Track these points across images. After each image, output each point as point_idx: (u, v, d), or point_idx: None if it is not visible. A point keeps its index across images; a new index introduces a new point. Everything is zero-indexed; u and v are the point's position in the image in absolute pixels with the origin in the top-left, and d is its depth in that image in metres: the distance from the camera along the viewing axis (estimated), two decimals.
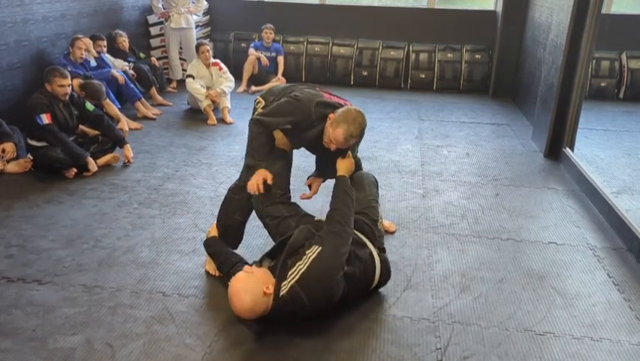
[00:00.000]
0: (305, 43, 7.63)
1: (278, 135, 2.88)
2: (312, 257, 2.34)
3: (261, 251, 3.14)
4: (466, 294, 2.79)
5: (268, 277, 2.38)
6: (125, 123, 5.14)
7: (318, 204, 3.46)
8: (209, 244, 2.93)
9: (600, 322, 2.58)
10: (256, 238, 3.28)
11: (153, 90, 6.36)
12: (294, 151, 3.01)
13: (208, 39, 7.90)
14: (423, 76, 7.28)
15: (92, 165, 4.22)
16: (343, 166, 2.75)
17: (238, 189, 2.90)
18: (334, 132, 2.61)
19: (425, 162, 4.63)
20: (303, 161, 3.95)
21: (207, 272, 2.93)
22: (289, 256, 2.41)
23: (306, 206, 2.95)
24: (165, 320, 2.55)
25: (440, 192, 4.03)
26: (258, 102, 2.97)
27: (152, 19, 7.37)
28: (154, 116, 5.83)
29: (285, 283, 2.33)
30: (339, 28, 7.59)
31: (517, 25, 6.55)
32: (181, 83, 7.21)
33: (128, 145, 4.51)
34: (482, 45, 7.19)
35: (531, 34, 6.07)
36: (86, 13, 6.12)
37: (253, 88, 7.05)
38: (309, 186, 3.19)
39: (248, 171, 2.85)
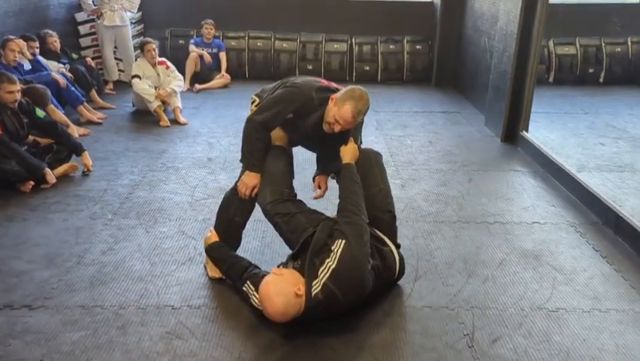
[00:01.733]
0: (246, 39, 7.48)
1: (275, 131, 2.81)
2: (339, 251, 2.31)
3: (258, 253, 3.07)
4: (473, 279, 2.86)
5: (298, 278, 2.32)
6: (74, 130, 4.81)
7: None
8: (212, 250, 2.81)
9: (602, 293, 2.74)
10: (251, 241, 3.19)
11: (93, 93, 6.00)
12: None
13: (142, 37, 7.54)
14: (367, 68, 7.36)
15: (51, 177, 3.91)
16: (348, 153, 2.71)
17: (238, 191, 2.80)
18: (340, 110, 2.56)
19: (393, 152, 4.70)
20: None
21: (213, 278, 2.81)
22: (315, 255, 2.36)
23: (311, 201, 2.89)
24: (183, 334, 2.42)
25: (417, 181, 4.10)
26: (253, 101, 2.89)
27: (80, 16, 6.93)
28: (99, 121, 5.49)
29: (316, 282, 2.28)
30: (281, 22, 7.51)
31: (456, 16, 6.78)
32: (118, 84, 6.86)
33: (86, 153, 4.22)
34: (422, 36, 7.38)
35: (472, 23, 6.30)
36: (12, 12, 5.66)
37: (197, 86, 6.84)
38: (318, 186, 3.12)
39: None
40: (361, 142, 3.03)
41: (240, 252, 2.95)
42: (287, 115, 2.66)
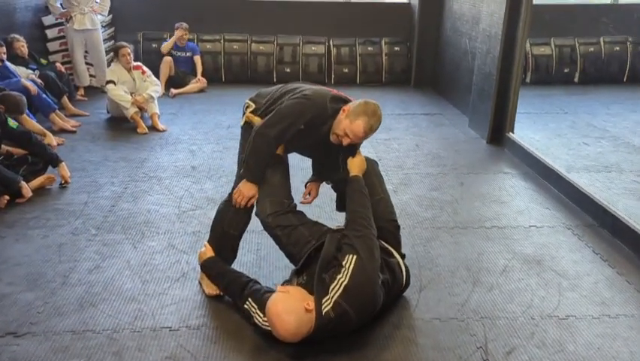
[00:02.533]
0: (222, 41, 7.31)
1: None
2: (351, 267, 2.21)
3: (255, 267, 2.95)
4: (479, 287, 2.80)
5: (305, 294, 2.21)
6: (52, 138, 4.59)
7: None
8: (208, 266, 2.68)
9: (609, 299, 2.71)
10: (246, 254, 3.06)
11: (65, 100, 5.74)
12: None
13: (113, 40, 7.30)
14: (346, 70, 7.29)
15: (27, 190, 3.70)
16: (355, 166, 2.62)
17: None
18: (353, 125, 2.46)
19: (381, 156, 4.62)
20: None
21: (210, 296, 2.67)
22: (324, 270, 2.25)
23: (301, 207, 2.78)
24: (185, 358, 2.28)
25: (409, 186, 4.04)
26: (247, 106, 2.74)
27: (47, 20, 6.64)
28: (73, 129, 5.25)
29: (326, 299, 2.17)
30: (257, 24, 7.36)
31: (434, 17, 6.77)
32: (89, 90, 6.61)
33: (64, 163, 4.02)
34: (400, 38, 7.34)
35: (451, 25, 6.29)
36: None
37: (173, 91, 6.64)
38: (309, 192, 3.01)
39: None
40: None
41: (235, 266, 2.83)
42: (299, 127, 2.53)
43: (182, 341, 2.38)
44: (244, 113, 2.75)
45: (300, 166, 3.57)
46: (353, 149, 2.64)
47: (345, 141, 2.52)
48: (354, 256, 2.24)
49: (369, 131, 2.50)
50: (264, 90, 2.80)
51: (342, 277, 2.20)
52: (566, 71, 7.24)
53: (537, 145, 4.74)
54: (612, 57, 7.27)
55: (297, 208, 2.64)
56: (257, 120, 2.63)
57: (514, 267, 2.99)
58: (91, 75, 6.74)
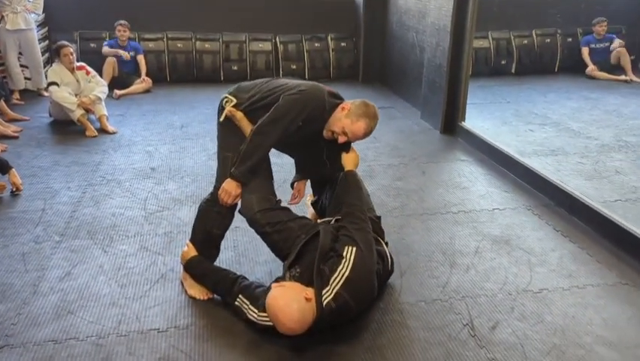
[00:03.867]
0: (165, 40, 7.14)
1: None
2: (352, 259, 2.24)
3: (235, 264, 2.92)
4: (456, 269, 2.91)
5: (301, 287, 2.22)
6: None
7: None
8: (192, 266, 2.63)
9: (575, 271, 2.89)
10: (224, 251, 3.00)
11: (2, 104, 5.42)
12: None
13: (47, 40, 6.97)
14: (294, 67, 7.30)
15: None
16: (350, 161, 2.67)
17: (217, 202, 2.62)
18: (354, 125, 2.49)
19: None
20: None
21: (193, 298, 2.62)
22: (322, 262, 2.27)
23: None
24: (179, 358, 2.24)
25: (373, 177, 4.11)
26: (227, 101, 2.64)
27: None
28: (15, 134, 4.98)
29: (327, 290, 2.19)
30: (200, 22, 7.23)
31: (379, 12, 6.89)
32: (25, 93, 6.28)
33: (14, 170, 3.81)
34: (346, 33, 7.44)
35: (397, 19, 6.44)
36: None
37: (117, 92, 6.40)
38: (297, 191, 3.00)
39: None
40: None
41: (216, 264, 2.78)
42: (299, 122, 2.50)
43: (174, 342, 2.32)
44: (221, 109, 2.68)
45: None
46: (344, 146, 2.66)
47: (342, 139, 2.54)
48: (355, 248, 2.27)
49: (369, 133, 2.56)
50: (244, 84, 2.74)
51: (342, 268, 2.22)
52: (503, 62, 7.57)
53: (488, 133, 4.95)
54: (544, 48, 7.68)
55: (288, 207, 2.66)
56: (240, 115, 2.59)
57: (485, 248, 3.12)
58: (26, 78, 6.40)
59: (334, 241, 2.35)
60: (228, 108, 2.61)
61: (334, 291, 2.18)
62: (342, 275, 2.20)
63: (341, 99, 2.61)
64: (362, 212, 2.47)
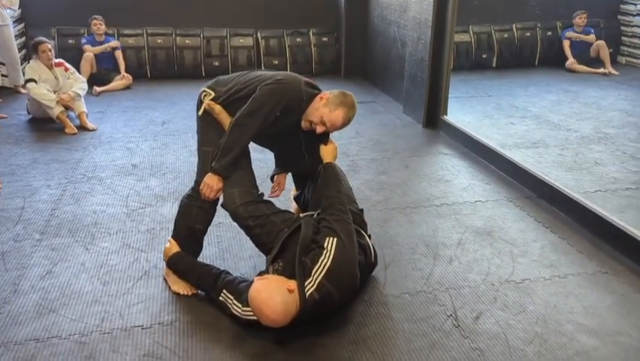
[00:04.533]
0: (145, 36, 7.07)
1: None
2: (332, 250, 2.24)
3: (219, 260, 2.91)
4: (439, 261, 2.93)
5: (283, 279, 2.22)
6: None
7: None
8: (175, 262, 2.61)
9: (556, 261, 2.93)
10: (207, 247, 2.99)
11: None
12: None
13: (24, 37, 6.86)
14: (276, 62, 7.27)
15: None
16: (329, 153, 2.67)
17: (199, 197, 2.61)
18: (332, 114, 2.49)
19: None
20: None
21: (177, 293, 2.61)
22: (303, 254, 2.27)
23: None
24: (164, 354, 2.22)
25: (357, 172, 4.12)
26: (205, 94, 2.63)
27: None
28: None
29: (309, 281, 2.19)
30: (180, 17, 7.18)
31: (360, 7, 6.89)
32: (2, 90, 6.17)
33: None
34: (328, 28, 7.43)
35: (379, 14, 6.45)
36: None
37: (97, 89, 6.34)
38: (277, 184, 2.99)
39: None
40: None
41: (199, 260, 2.77)
42: (277, 114, 2.49)
43: (158, 338, 2.31)
44: (200, 103, 2.67)
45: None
46: (322, 137, 2.66)
47: (320, 129, 2.54)
48: (335, 239, 2.28)
49: (347, 122, 2.55)
50: (222, 78, 2.74)
51: (324, 259, 2.22)
52: (484, 56, 7.63)
53: (469, 126, 4.98)
54: (524, 42, 7.75)
55: (270, 200, 2.65)
56: (218, 108, 2.58)
57: (468, 239, 3.14)
58: (3, 75, 6.30)
59: (315, 233, 2.35)
60: (206, 102, 2.60)
61: (317, 282, 2.18)
62: (324, 266, 2.20)
63: (318, 90, 2.61)
64: (341, 203, 2.47)
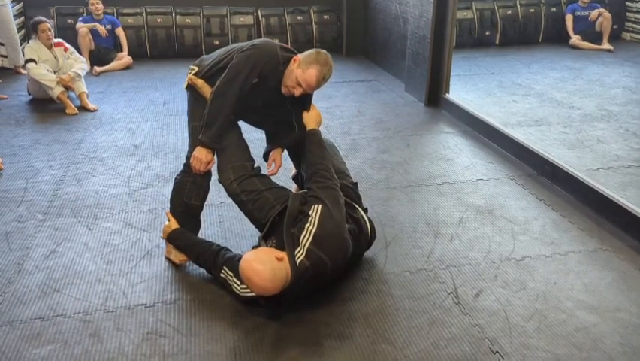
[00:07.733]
0: (144, 15, 7.00)
1: None
2: (317, 215, 2.26)
3: (221, 239, 2.93)
4: (440, 239, 2.94)
5: (272, 249, 2.23)
6: None
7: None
8: (175, 238, 2.64)
9: (557, 239, 2.93)
10: (209, 227, 3.03)
11: None
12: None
13: (22, 17, 6.80)
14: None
15: None
16: (312, 119, 2.65)
17: (191, 172, 2.62)
18: (305, 74, 2.45)
19: (326, 124, 4.65)
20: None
21: (182, 263, 2.64)
22: (291, 226, 2.28)
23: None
24: (167, 332, 2.25)
25: (358, 151, 4.11)
26: (190, 70, 2.68)
27: None
28: None
29: (299, 249, 2.20)
30: None
31: None
32: (2, 71, 6.15)
33: None
34: (329, 6, 7.35)
35: None
36: None
37: (97, 69, 6.31)
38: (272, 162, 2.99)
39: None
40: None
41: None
42: (255, 79, 2.48)
43: (161, 316, 2.34)
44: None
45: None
46: (306, 101, 2.64)
47: (298, 92, 2.50)
48: (320, 205, 2.29)
49: (322, 80, 2.50)
50: (207, 55, 2.76)
51: (310, 225, 2.24)
52: (487, 33, 7.55)
53: (472, 105, 4.96)
54: (528, 19, 7.66)
55: (267, 175, 2.65)
56: (200, 82, 2.61)
57: (469, 218, 3.15)
58: (2, 55, 6.27)
59: (302, 203, 2.36)
60: (189, 76, 2.64)
61: (305, 249, 2.19)
62: (310, 232, 2.21)
63: (294, 53, 2.59)
64: (326, 170, 2.47)
